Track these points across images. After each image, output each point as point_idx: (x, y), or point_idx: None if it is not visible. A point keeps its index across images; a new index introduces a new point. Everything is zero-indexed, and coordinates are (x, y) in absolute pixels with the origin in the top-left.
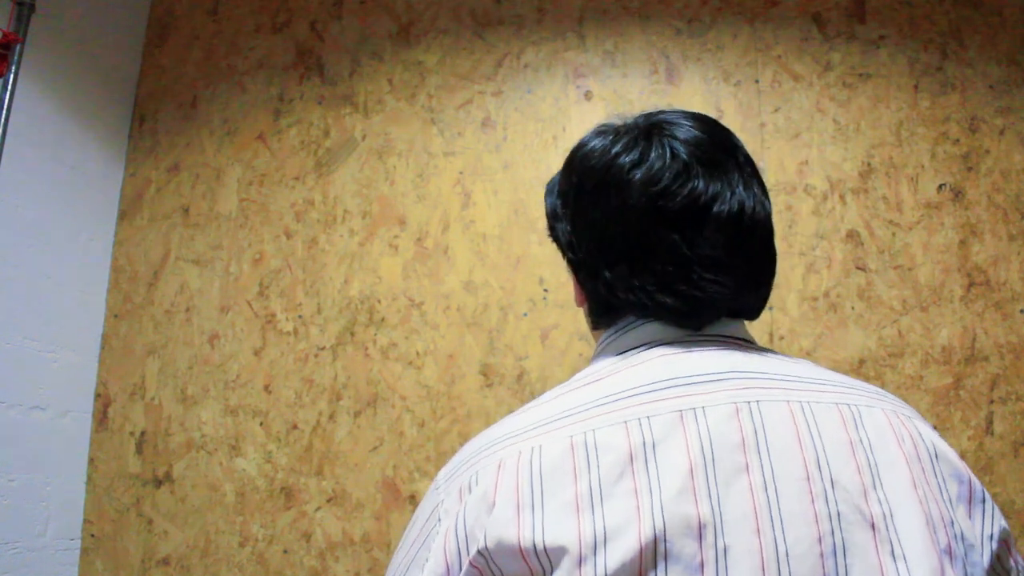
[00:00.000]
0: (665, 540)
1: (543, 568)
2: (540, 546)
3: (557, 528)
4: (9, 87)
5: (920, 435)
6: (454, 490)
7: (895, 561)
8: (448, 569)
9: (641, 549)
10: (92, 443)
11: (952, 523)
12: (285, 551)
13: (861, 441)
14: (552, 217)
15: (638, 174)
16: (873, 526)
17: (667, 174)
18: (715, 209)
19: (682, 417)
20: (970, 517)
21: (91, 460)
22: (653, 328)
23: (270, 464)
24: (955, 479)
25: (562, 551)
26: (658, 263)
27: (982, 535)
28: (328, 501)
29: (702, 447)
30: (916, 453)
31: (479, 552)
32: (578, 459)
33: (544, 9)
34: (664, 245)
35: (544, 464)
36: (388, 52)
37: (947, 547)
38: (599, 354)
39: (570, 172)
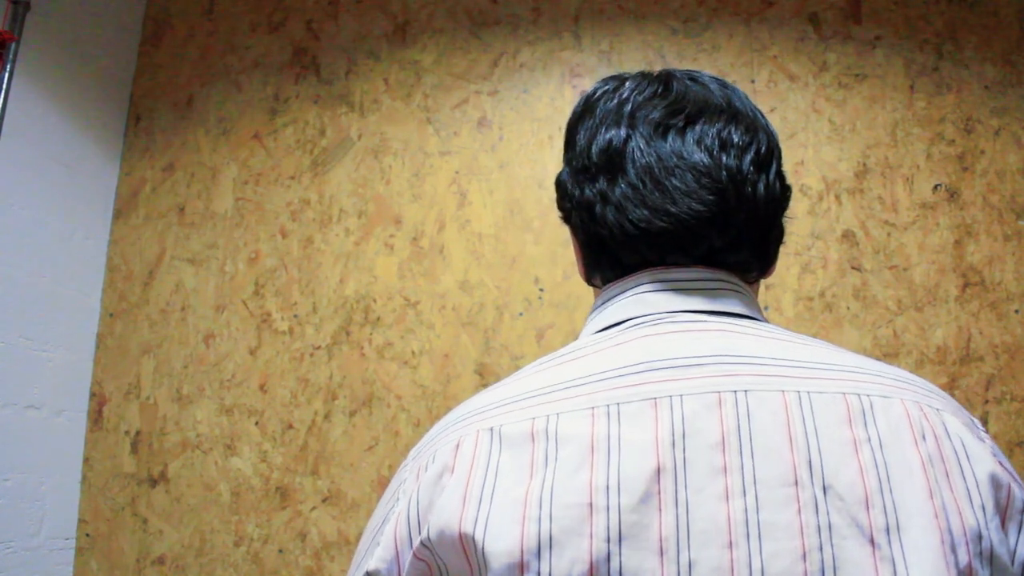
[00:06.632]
0: (620, 553)
1: (479, 567)
2: (480, 542)
3: (500, 527)
4: (4, 86)
5: (947, 431)
6: (416, 468)
7: None
8: (397, 555)
9: (592, 562)
10: (87, 442)
11: (980, 538)
12: (280, 551)
13: (869, 440)
14: (559, 188)
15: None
16: (873, 541)
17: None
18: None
19: (655, 405)
20: (1005, 531)
21: (86, 459)
22: (636, 300)
23: (265, 463)
24: (990, 484)
25: (501, 551)
26: (631, 170)
27: (1014, 554)
28: (323, 501)
29: (673, 443)
30: (940, 453)
31: (423, 543)
32: (537, 451)
33: (540, 9)
34: (632, 151)
35: (502, 452)
36: (384, 51)
37: (967, 567)
38: (586, 325)
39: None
